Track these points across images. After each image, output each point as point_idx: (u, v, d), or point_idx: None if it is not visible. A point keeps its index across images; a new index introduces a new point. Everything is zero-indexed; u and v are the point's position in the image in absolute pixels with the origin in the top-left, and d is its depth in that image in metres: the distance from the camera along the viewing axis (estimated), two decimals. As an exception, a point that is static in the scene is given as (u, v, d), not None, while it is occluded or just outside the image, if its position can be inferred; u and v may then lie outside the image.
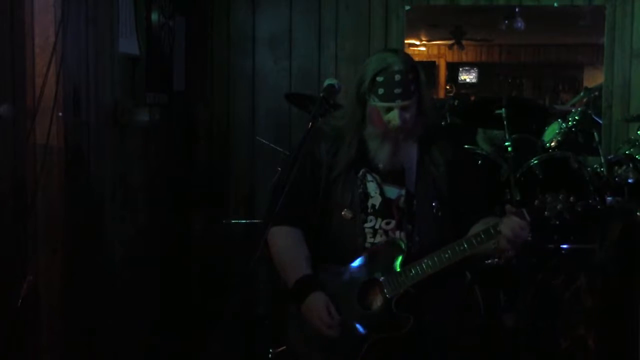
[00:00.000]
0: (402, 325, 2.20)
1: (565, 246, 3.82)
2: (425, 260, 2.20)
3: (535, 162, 3.96)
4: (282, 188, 2.33)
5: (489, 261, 4.01)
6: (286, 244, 2.33)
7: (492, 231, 2.13)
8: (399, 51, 2.36)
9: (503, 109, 4.01)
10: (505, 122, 4.01)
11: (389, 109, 2.24)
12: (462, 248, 2.17)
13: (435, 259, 2.19)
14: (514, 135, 4.12)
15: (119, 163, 3.42)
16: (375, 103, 2.24)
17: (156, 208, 3.98)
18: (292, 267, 2.32)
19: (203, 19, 4.71)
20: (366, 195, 2.31)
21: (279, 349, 2.42)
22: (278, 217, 2.29)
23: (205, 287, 4.73)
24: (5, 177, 2.64)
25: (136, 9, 3.58)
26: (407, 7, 4.66)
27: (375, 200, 2.31)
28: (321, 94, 2.24)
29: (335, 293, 2.27)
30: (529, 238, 2.16)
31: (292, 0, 4.70)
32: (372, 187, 2.31)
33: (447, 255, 2.18)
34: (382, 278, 2.24)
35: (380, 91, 2.22)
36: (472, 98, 9.91)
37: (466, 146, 4.20)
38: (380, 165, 2.32)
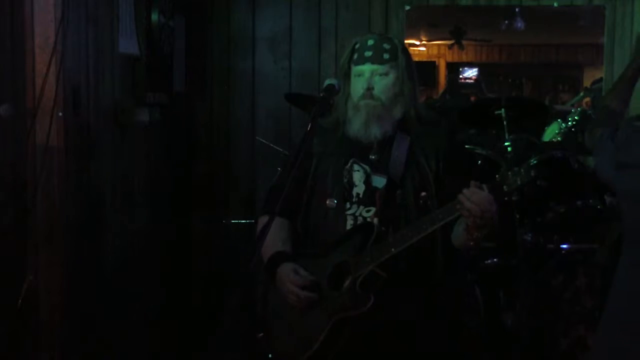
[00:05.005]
0: (361, 305, 2.19)
1: (565, 246, 3.82)
2: (390, 240, 2.20)
3: (535, 162, 3.96)
4: (278, 187, 2.42)
5: (489, 261, 4.02)
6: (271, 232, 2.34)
7: (451, 206, 2.12)
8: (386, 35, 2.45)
9: (503, 109, 4.01)
10: (505, 122, 4.01)
11: (361, 75, 2.31)
12: (424, 226, 2.16)
13: (399, 238, 2.19)
14: (513, 136, 4.12)
15: (119, 163, 3.42)
16: (351, 70, 2.34)
17: (156, 208, 3.98)
18: (267, 249, 2.36)
19: (203, 19, 4.71)
20: (351, 185, 2.34)
21: (259, 335, 2.46)
22: (265, 208, 2.44)
23: (206, 287, 4.74)
24: (5, 177, 2.64)
25: (136, 9, 3.58)
26: (407, 7, 4.66)
27: (360, 189, 2.34)
28: (321, 94, 2.26)
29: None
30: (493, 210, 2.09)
31: (292, 0, 4.70)
32: (357, 176, 2.35)
33: (410, 234, 2.17)
34: (350, 259, 2.25)
35: (355, 56, 2.34)
36: (473, 98, 9.91)
37: (467, 146, 4.21)
38: (373, 157, 2.34)
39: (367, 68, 2.31)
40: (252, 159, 4.74)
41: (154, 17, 3.81)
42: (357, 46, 2.35)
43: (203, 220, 4.77)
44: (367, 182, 2.33)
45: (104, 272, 3.26)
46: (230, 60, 4.74)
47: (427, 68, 12.79)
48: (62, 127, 2.79)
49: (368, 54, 2.31)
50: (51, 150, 2.75)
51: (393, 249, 2.18)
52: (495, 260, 4.01)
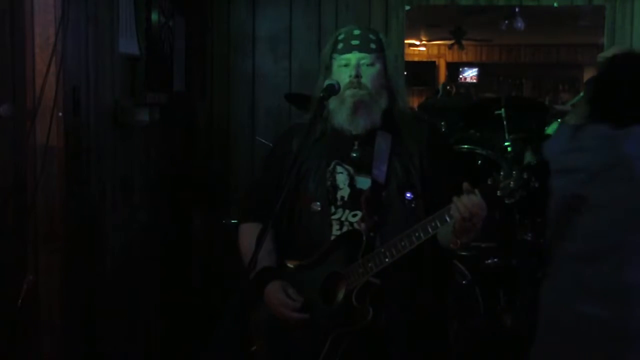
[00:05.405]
0: (362, 318, 2.13)
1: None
2: (382, 250, 2.13)
3: (534, 162, 3.96)
4: (258, 191, 2.39)
5: (489, 261, 4.02)
6: (251, 242, 2.22)
7: (445, 216, 2.06)
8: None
9: (503, 109, 4.01)
10: (505, 122, 4.01)
11: (347, 64, 2.26)
12: (417, 235, 2.09)
13: (392, 248, 2.12)
14: (513, 135, 4.13)
15: (119, 163, 3.42)
16: (335, 60, 2.28)
17: (156, 208, 3.98)
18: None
19: (203, 19, 4.71)
20: (335, 188, 2.28)
21: (252, 348, 2.42)
22: (247, 213, 2.39)
23: (205, 287, 4.74)
24: (5, 177, 2.64)
25: (136, 9, 3.59)
26: (407, 7, 4.66)
27: (344, 192, 2.27)
28: (321, 94, 2.22)
29: (299, 289, 2.23)
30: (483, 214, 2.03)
31: (292, 0, 4.70)
32: (341, 178, 2.28)
33: (403, 244, 2.10)
34: (342, 270, 2.18)
35: (340, 46, 2.28)
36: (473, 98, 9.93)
37: (466, 146, 4.21)
38: (354, 155, 2.28)
39: (353, 56, 2.25)
40: (252, 159, 4.74)
41: (154, 17, 3.81)
42: (340, 37, 2.29)
43: (203, 220, 4.77)
44: (352, 184, 2.27)
45: (104, 272, 3.26)
46: (230, 60, 4.75)
47: (427, 68, 12.80)
48: (62, 127, 2.79)
49: (355, 42, 2.25)
50: (51, 151, 2.75)
51: (387, 260, 2.12)
52: (495, 260, 4.01)
